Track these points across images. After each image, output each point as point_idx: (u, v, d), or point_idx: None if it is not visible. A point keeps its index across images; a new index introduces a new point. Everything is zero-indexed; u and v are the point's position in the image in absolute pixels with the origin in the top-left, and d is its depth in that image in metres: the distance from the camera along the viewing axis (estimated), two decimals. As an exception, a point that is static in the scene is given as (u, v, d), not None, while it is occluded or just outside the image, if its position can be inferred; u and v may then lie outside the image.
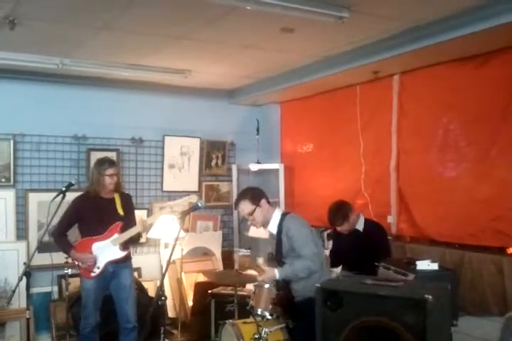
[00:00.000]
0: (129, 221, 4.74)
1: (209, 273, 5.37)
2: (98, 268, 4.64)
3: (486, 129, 4.50)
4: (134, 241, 4.92)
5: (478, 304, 4.46)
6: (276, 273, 3.81)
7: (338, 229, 4.85)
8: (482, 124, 4.53)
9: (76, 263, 4.73)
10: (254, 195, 3.99)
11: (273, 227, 3.98)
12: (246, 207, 3.95)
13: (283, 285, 3.87)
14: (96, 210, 4.67)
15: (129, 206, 4.87)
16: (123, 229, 4.66)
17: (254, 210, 3.92)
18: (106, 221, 4.67)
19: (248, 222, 4.03)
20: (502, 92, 4.37)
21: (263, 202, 3.97)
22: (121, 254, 4.69)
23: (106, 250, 4.65)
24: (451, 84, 4.80)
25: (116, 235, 4.66)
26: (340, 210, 4.82)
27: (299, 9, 3.68)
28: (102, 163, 4.71)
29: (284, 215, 4.00)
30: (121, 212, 4.74)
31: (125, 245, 4.71)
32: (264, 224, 4.01)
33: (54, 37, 4.51)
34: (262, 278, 3.88)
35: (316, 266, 3.77)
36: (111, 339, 4.89)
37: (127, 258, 4.83)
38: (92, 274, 4.65)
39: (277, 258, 3.97)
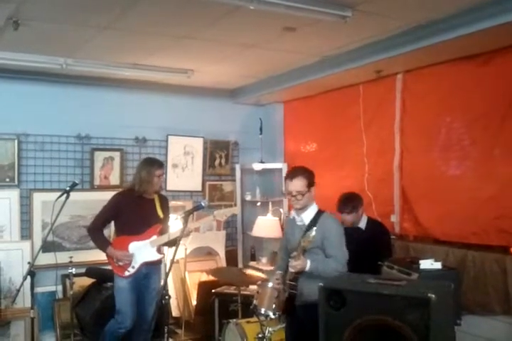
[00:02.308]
0: (165, 224, 4.78)
1: (213, 270, 5.37)
2: (133, 267, 4.65)
3: (489, 128, 4.49)
4: (171, 244, 4.79)
5: (481, 303, 4.46)
6: (308, 265, 3.66)
7: (344, 217, 4.82)
8: (485, 123, 4.52)
9: (110, 260, 4.73)
10: (311, 178, 3.90)
11: (307, 217, 3.89)
12: (301, 184, 3.83)
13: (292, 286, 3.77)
14: (137, 209, 4.68)
15: (166, 208, 4.90)
16: (161, 232, 4.68)
17: (305, 193, 3.83)
18: (146, 221, 4.68)
19: (292, 199, 3.85)
20: (505, 91, 4.37)
21: (313, 188, 3.90)
22: (157, 257, 4.71)
23: (143, 250, 4.65)
24: (454, 83, 4.79)
25: (155, 237, 4.67)
26: (352, 199, 4.87)
27: (301, 9, 3.68)
28: (152, 163, 4.75)
29: (320, 211, 3.94)
30: (160, 214, 4.77)
31: (161, 248, 4.74)
32: (301, 209, 3.91)
33: (57, 37, 4.53)
34: (296, 263, 3.64)
35: (343, 271, 3.72)
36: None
37: (160, 262, 4.85)
38: (126, 273, 4.65)
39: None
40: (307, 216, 3.91)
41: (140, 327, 4.76)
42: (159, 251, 4.73)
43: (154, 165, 4.72)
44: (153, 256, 4.69)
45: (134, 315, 4.68)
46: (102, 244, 4.72)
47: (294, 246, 3.82)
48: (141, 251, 4.65)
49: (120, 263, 4.65)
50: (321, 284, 3.31)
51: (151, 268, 4.76)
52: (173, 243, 4.66)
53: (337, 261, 3.72)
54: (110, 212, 4.75)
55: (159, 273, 4.87)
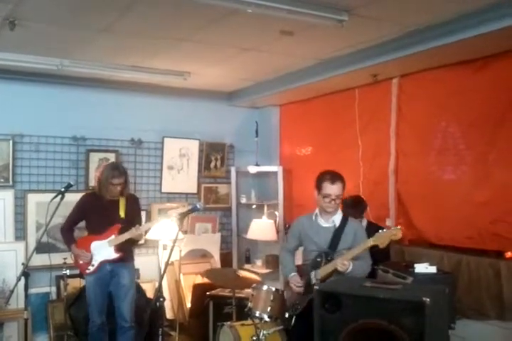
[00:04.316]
0: (129, 223, 4.79)
1: (207, 271, 5.36)
2: (92, 265, 4.78)
3: (485, 133, 4.50)
4: (132, 243, 5.00)
5: (475, 307, 4.47)
6: (351, 266, 3.76)
7: None
8: (481, 128, 4.54)
9: (74, 258, 4.90)
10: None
11: (338, 220, 4.02)
12: (340, 189, 3.99)
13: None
14: (99, 210, 4.81)
15: (133, 208, 4.96)
16: (121, 232, 4.75)
17: (341, 197, 4.00)
18: (107, 222, 4.78)
19: (330, 202, 3.95)
20: (501, 96, 4.38)
21: None
22: (114, 255, 4.78)
23: (102, 250, 4.77)
24: (450, 88, 4.81)
25: (113, 236, 4.76)
26: (361, 203, 4.92)
27: (298, 12, 3.68)
28: (111, 170, 4.78)
29: (346, 216, 4.08)
30: (122, 214, 4.84)
31: (120, 247, 4.78)
32: (332, 213, 4.02)
33: (54, 38, 4.52)
34: (347, 263, 3.74)
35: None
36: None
37: (126, 260, 4.90)
38: (87, 271, 4.80)
39: (329, 252, 3.91)
40: (337, 219, 4.02)
41: (120, 325, 4.86)
42: (118, 250, 4.78)
43: (112, 172, 4.76)
44: (110, 255, 4.77)
45: (100, 311, 4.82)
46: (68, 242, 4.90)
47: (322, 246, 3.94)
48: (100, 250, 4.78)
49: (81, 262, 4.81)
50: (316, 287, 3.32)
51: (117, 265, 4.84)
52: (135, 242, 5.02)
53: (367, 263, 3.91)
54: (76, 214, 4.94)
55: (129, 270, 4.93)
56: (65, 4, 3.72)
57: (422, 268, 4.10)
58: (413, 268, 4.11)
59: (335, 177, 4.02)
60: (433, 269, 4.10)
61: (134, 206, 5.00)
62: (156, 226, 5.29)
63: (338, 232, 3.94)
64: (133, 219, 4.87)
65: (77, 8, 3.80)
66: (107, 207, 4.82)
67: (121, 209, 4.84)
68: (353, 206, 4.86)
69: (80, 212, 4.91)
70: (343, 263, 3.72)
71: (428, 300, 2.89)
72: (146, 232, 5.35)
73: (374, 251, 4.67)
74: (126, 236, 4.71)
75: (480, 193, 4.52)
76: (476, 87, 4.59)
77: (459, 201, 4.69)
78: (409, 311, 2.94)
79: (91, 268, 4.78)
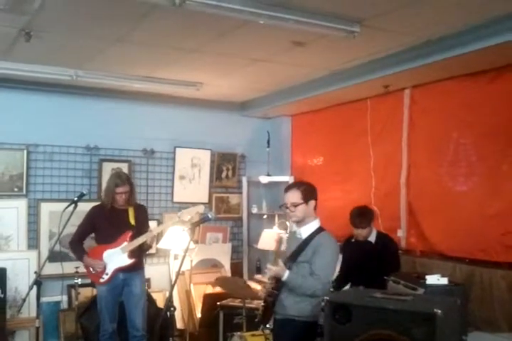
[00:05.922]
0: (140, 230, 4.82)
1: (218, 279, 5.36)
2: (107, 274, 4.78)
3: (497, 144, 4.49)
4: (144, 251, 5.03)
5: (487, 319, 4.43)
6: (286, 274, 3.60)
7: (359, 232, 4.83)
8: (493, 139, 4.53)
9: (87, 268, 4.88)
10: (309, 191, 3.80)
11: (306, 232, 3.81)
12: (294, 197, 3.75)
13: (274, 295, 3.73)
14: (109, 220, 4.84)
15: (142, 217, 4.99)
16: (133, 238, 4.77)
17: (299, 205, 3.74)
18: (118, 230, 4.80)
19: (287, 211, 3.81)
20: (513, 107, 4.38)
21: (312, 202, 3.79)
22: (128, 262, 4.79)
23: (115, 257, 4.77)
24: (462, 99, 4.81)
25: (125, 243, 4.77)
26: (367, 214, 4.88)
27: (310, 23, 3.72)
28: (115, 179, 4.84)
29: (321, 228, 3.85)
30: (132, 222, 4.87)
31: (133, 253, 4.80)
32: (300, 223, 3.84)
33: (68, 49, 4.58)
34: (271, 267, 3.62)
35: (321, 292, 3.57)
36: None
37: (138, 268, 4.92)
38: (101, 280, 4.79)
39: (288, 261, 3.78)
40: (306, 231, 3.83)
41: (132, 334, 4.87)
42: (131, 256, 4.79)
43: (116, 181, 4.82)
44: (124, 261, 4.78)
45: (112, 319, 4.84)
46: (79, 254, 4.89)
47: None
48: (113, 257, 4.78)
49: (93, 272, 4.82)
50: (326, 298, 3.30)
51: (130, 274, 4.86)
52: (146, 249, 5.03)
53: (318, 280, 3.61)
54: (85, 226, 4.94)
55: (140, 278, 4.96)
56: (80, 15, 3.78)
57: (433, 279, 4.05)
58: (424, 279, 4.07)
59: (289, 185, 3.91)
60: (445, 280, 4.06)
61: (142, 215, 5.02)
62: (167, 229, 5.35)
63: (303, 244, 3.76)
64: (143, 227, 4.89)
65: (91, 19, 3.86)
66: (117, 216, 4.85)
67: (130, 217, 4.88)
68: (359, 215, 4.82)
69: (90, 223, 4.92)
70: (267, 267, 3.63)
71: (439, 311, 2.86)
72: (157, 238, 5.34)
73: (386, 260, 4.68)
74: (140, 240, 4.72)
75: (492, 205, 4.50)
76: (488, 98, 4.58)
77: (471, 212, 4.67)
78: (420, 323, 2.92)
79: (105, 277, 4.78)
